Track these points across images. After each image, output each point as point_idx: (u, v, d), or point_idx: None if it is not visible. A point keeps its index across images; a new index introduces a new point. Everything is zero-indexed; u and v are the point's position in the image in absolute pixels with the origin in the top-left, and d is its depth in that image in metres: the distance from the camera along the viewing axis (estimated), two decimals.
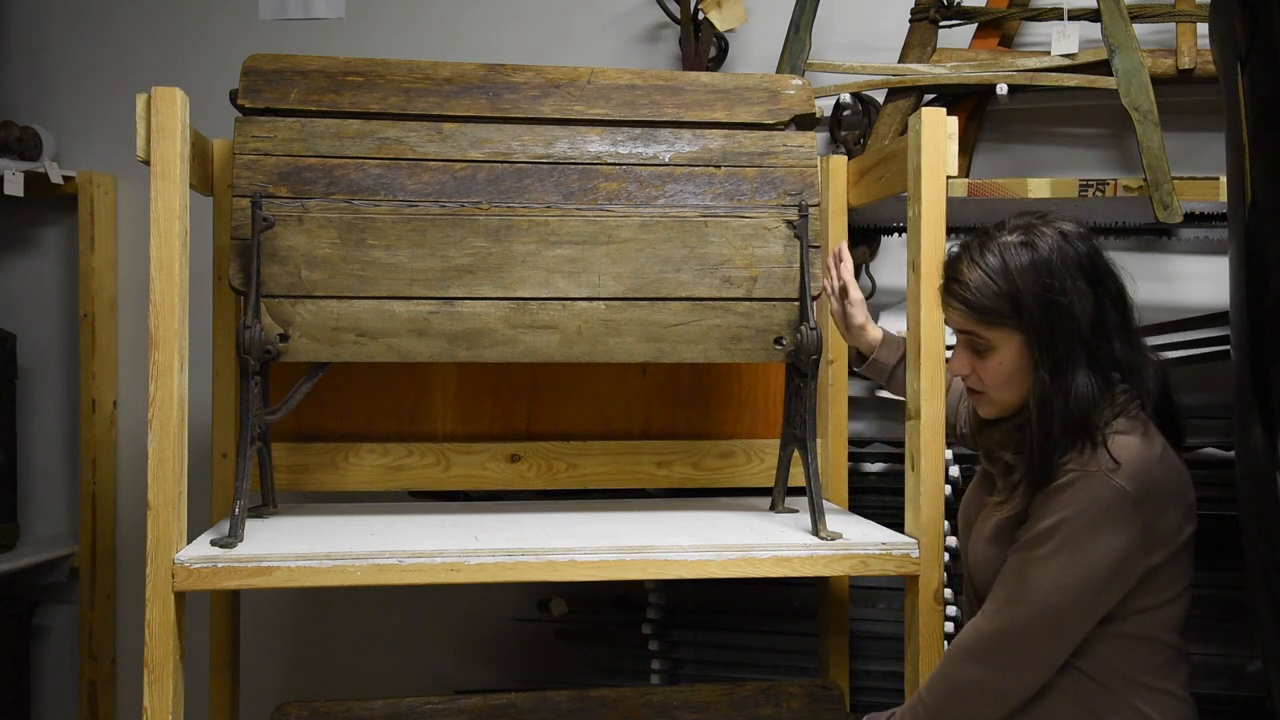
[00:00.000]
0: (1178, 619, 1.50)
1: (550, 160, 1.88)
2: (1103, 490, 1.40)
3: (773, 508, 2.04)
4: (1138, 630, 1.46)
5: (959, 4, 2.39)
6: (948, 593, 1.79)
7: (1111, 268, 1.51)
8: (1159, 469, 1.45)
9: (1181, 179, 2.11)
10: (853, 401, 2.30)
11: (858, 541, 1.75)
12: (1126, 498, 1.41)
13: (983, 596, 1.55)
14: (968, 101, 2.40)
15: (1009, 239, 1.50)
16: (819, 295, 1.89)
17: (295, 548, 1.66)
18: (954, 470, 2.15)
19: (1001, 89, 2.27)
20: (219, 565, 1.60)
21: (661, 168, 1.91)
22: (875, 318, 2.42)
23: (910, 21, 2.39)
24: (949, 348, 1.76)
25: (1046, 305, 1.46)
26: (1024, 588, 1.43)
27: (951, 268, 1.54)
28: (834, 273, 1.94)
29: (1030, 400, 1.48)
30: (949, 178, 1.75)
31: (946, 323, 1.61)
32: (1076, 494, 1.42)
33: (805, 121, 1.99)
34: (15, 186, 2.42)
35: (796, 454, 1.92)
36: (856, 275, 2.40)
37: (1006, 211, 1.61)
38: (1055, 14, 2.32)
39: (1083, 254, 1.49)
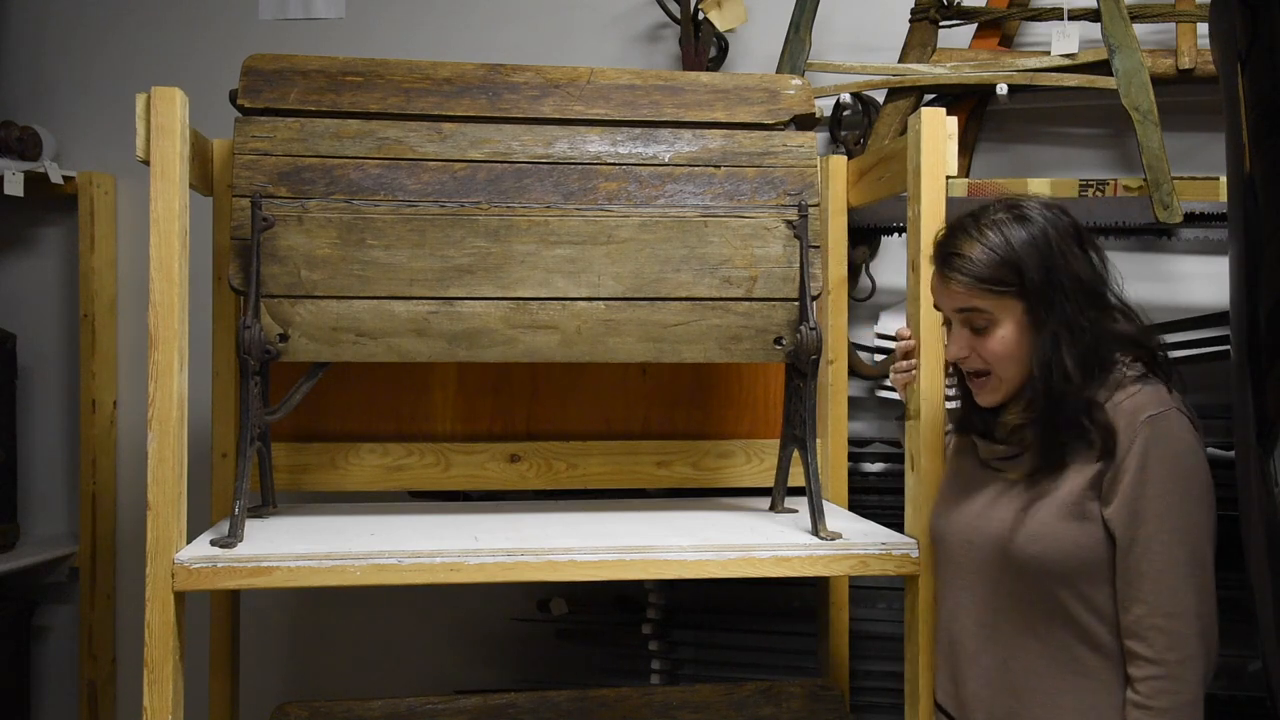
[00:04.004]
0: None
1: (550, 160, 1.88)
2: (1182, 420, 1.47)
3: (772, 508, 2.04)
4: None
5: (959, 4, 2.39)
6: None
7: (1093, 240, 1.58)
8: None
9: (1181, 179, 2.11)
10: (853, 401, 2.30)
11: (858, 541, 1.75)
12: (1195, 424, 1.49)
13: (1036, 573, 1.50)
14: (968, 101, 2.40)
15: (1000, 216, 1.55)
16: (819, 295, 1.88)
17: (295, 548, 1.66)
18: None
19: (1001, 89, 2.27)
20: (219, 565, 1.60)
21: (661, 168, 1.91)
22: (875, 318, 2.43)
23: (910, 21, 2.39)
24: None
25: (1047, 270, 1.50)
26: (1194, 571, 1.44)
27: (946, 246, 1.57)
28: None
29: (1035, 360, 1.51)
30: (949, 178, 1.75)
31: (937, 306, 1.62)
32: (1168, 437, 1.45)
33: (805, 121, 1.99)
34: (15, 186, 2.42)
35: (796, 454, 1.92)
36: (856, 275, 2.42)
37: None
38: (1055, 14, 2.32)
39: (1069, 223, 1.55)
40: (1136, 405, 1.48)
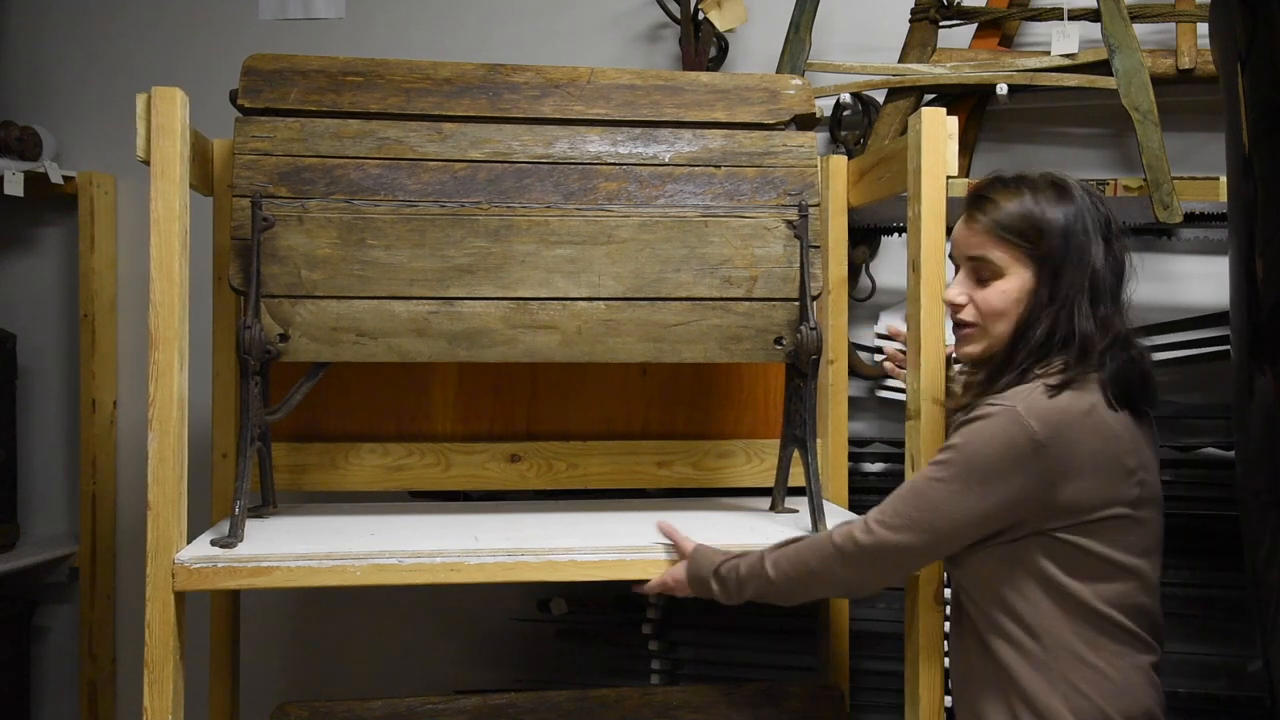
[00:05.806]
0: (1123, 598, 1.46)
1: (550, 160, 1.88)
2: (1011, 427, 1.43)
3: (773, 508, 2.04)
4: (1073, 603, 1.45)
5: (959, 4, 2.39)
6: (947, 593, 1.78)
7: (1122, 238, 1.57)
8: (1081, 424, 1.44)
9: (1181, 179, 2.11)
10: (853, 401, 2.30)
11: None
12: (1033, 439, 1.42)
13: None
14: (968, 101, 2.40)
15: (1041, 182, 1.56)
16: (819, 295, 1.89)
17: (295, 548, 1.66)
18: None
19: (1001, 89, 2.27)
20: (219, 565, 1.60)
21: (661, 168, 1.91)
22: (875, 318, 2.43)
23: (910, 21, 2.39)
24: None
25: (1066, 243, 1.51)
26: (916, 510, 1.47)
27: (981, 190, 1.58)
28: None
29: (1021, 317, 1.52)
30: (949, 178, 1.75)
31: (955, 250, 1.61)
32: (988, 426, 1.45)
33: (805, 121, 1.99)
34: (15, 186, 2.42)
35: (796, 454, 1.92)
36: (856, 275, 2.42)
37: None
38: (1055, 14, 2.32)
39: (1104, 214, 1.55)
40: (996, 398, 1.48)
